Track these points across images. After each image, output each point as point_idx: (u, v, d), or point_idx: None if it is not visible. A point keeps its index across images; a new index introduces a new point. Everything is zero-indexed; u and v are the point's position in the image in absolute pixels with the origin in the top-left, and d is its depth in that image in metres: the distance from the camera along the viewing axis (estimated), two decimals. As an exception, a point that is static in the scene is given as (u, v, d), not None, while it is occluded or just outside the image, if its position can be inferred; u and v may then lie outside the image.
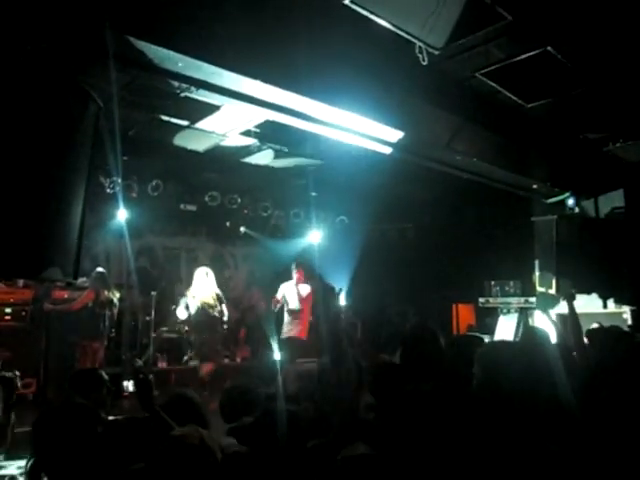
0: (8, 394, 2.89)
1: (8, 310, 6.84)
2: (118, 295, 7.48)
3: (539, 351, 2.00)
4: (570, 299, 4.03)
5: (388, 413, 2.05)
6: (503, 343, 2.13)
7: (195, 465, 1.75)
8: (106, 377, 3.25)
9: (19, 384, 2.98)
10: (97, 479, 2.14)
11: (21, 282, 6.92)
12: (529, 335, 3.83)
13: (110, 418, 3.20)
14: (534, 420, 1.73)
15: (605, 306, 6.67)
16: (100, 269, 7.34)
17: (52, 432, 2.19)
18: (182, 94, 4.87)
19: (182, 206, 8.88)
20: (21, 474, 3.33)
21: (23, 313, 6.96)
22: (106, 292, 7.17)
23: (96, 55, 3.55)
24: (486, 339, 7.38)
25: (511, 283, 8.65)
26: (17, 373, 2.98)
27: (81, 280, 6.55)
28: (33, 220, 2.74)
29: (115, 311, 7.38)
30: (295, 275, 7.78)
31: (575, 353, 3.62)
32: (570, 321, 3.95)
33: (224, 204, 8.98)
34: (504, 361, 1.80)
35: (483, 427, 1.80)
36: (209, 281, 7.54)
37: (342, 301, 9.97)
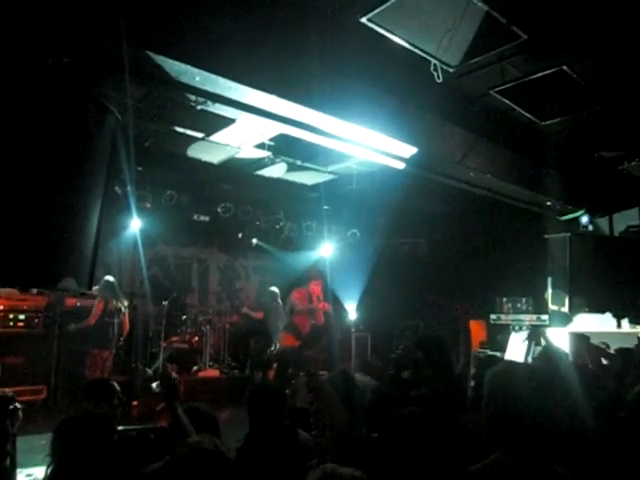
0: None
1: (22, 317, 6.91)
2: (126, 303, 7.51)
3: (557, 374, 1.98)
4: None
5: (378, 436, 2.06)
6: (516, 365, 2.10)
7: (211, 469, 1.79)
8: (117, 387, 3.27)
9: (20, 415, 2.92)
10: None
11: (35, 289, 6.99)
12: (546, 357, 3.79)
13: (120, 428, 3.21)
14: (549, 447, 1.71)
15: (619, 325, 6.59)
16: (108, 278, 7.35)
17: (72, 440, 2.23)
18: (198, 107, 4.93)
19: (195, 217, 8.95)
20: (31, 482, 3.33)
21: (36, 320, 7.02)
22: (114, 301, 7.20)
23: (115, 69, 3.60)
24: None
25: (523, 300, 8.59)
26: (18, 405, 2.93)
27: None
28: (50, 230, 2.78)
29: (124, 319, 7.40)
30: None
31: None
32: None
33: (237, 216, 9.03)
34: (516, 385, 1.78)
35: (477, 452, 1.80)
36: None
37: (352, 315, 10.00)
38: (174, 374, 2.76)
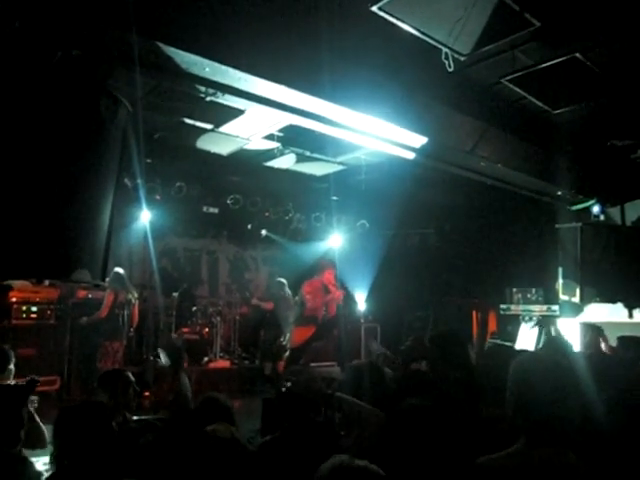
0: None
1: (34, 308, 6.96)
2: (136, 295, 7.54)
3: (564, 363, 1.98)
4: None
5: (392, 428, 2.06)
6: (534, 355, 2.10)
7: (227, 456, 1.81)
8: (132, 378, 3.30)
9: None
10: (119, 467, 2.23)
11: (47, 281, 7.04)
12: (552, 346, 3.78)
13: (134, 418, 3.25)
14: (570, 439, 1.71)
15: (631, 316, 6.55)
16: (117, 270, 7.35)
17: (70, 428, 2.27)
18: (207, 98, 4.92)
19: (204, 208, 8.96)
20: (47, 470, 3.37)
21: (49, 312, 7.08)
22: (124, 293, 7.23)
23: (125, 61, 3.60)
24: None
25: (533, 290, 8.55)
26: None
27: (104, 280, 6.62)
28: (64, 222, 2.80)
29: (133, 310, 7.42)
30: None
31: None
32: None
33: (246, 207, 9.04)
34: (534, 375, 1.78)
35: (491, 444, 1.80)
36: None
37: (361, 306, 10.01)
38: (178, 341, 2.85)
